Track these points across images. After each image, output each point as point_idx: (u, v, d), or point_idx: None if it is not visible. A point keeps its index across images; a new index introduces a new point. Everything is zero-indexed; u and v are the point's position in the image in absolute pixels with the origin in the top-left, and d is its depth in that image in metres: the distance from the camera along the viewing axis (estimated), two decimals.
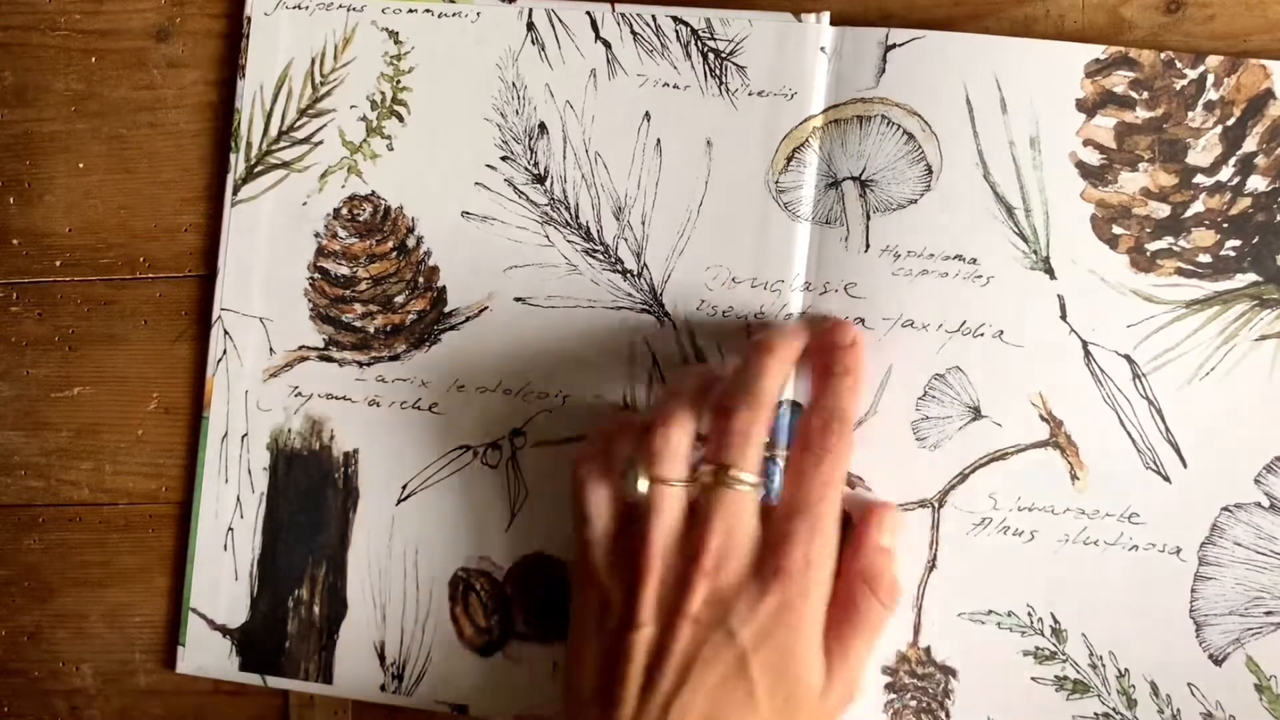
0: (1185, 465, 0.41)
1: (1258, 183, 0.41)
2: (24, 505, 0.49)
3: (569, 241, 0.45)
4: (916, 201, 0.42)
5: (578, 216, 0.45)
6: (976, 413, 0.42)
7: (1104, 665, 0.42)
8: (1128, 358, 0.41)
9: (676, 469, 0.39)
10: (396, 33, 0.46)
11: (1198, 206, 0.41)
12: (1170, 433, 0.41)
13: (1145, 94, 0.41)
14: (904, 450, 0.42)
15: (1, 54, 0.48)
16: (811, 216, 0.43)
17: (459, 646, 0.45)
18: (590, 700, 0.39)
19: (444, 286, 0.45)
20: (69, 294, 0.48)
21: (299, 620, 0.46)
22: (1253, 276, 0.41)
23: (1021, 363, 0.42)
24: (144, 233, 0.48)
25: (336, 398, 0.46)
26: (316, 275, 0.46)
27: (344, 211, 0.46)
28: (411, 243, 0.46)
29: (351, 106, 0.46)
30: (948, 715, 0.42)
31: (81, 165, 0.48)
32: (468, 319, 0.45)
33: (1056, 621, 0.42)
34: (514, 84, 0.45)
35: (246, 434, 0.46)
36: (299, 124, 0.46)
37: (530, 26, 0.45)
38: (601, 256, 0.44)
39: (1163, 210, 0.41)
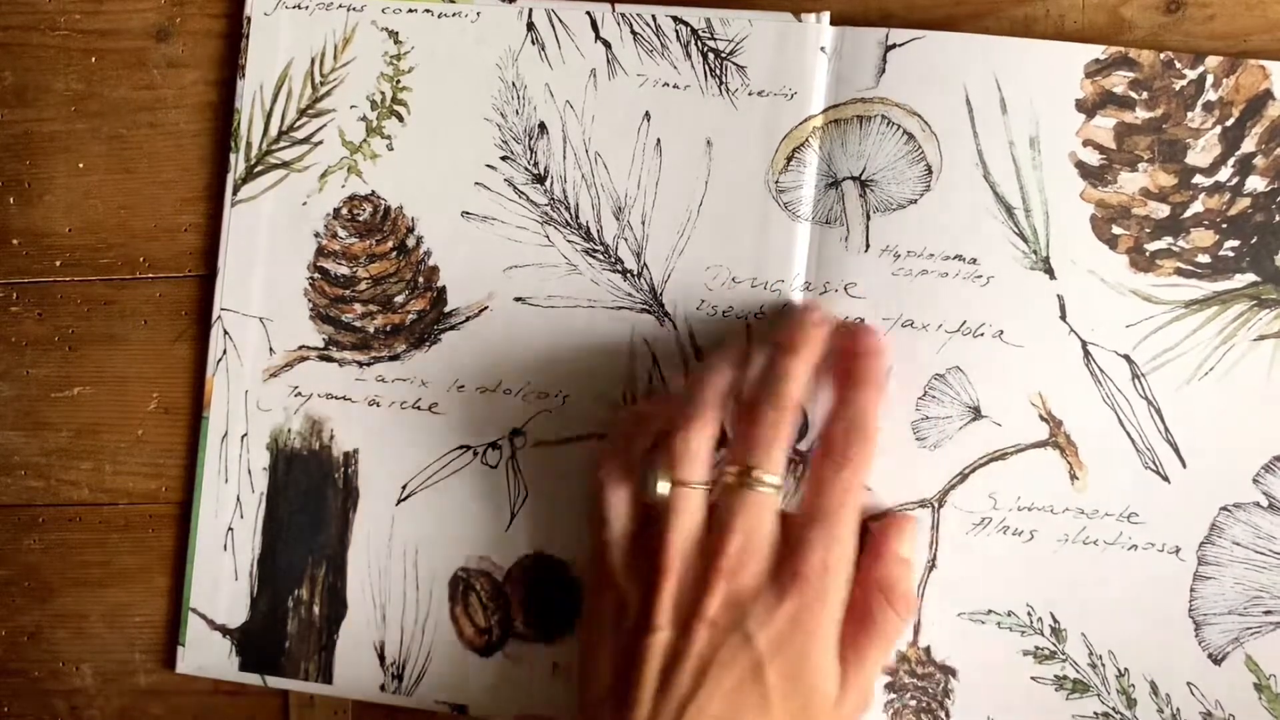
0: (1184, 465, 0.41)
1: (1256, 183, 0.41)
2: (24, 505, 0.49)
3: (569, 241, 0.45)
4: (916, 201, 0.42)
5: (578, 216, 0.45)
6: (976, 413, 0.42)
7: (1103, 665, 0.42)
8: (1127, 358, 0.41)
9: (698, 472, 0.39)
10: (396, 33, 0.46)
11: (1197, 207, 0.41)
12: (1169, 432, 0.41)
13: (1145, 94, 0.41)
14: (904, 450, 0.42)
15: (1, 54, 0.48)
16: (811, 216, 0.43)
17: (459, 646, 0.45)
18: (604, 701, 0.39)
19: (444, 286, 0.45)
20: (69, 294, 0.48)
21: (299, 620, 0.46)
22: (1251, 277, 0.41)
23: (1021, 363, 0.42)
24: (144, 233, 0.48)
25: (336, 398, 0.46)
26: (316, 275, 0.46)
27: (344, 211, 0.46)
28: (411, 243, 0.46)
29: (351, 106, 0.46)
30: (947, 715, 0.42)
31: (81, 165, 0.48)
32: (468, 319, 0.45)
33: (1056, 621, 0.42)
34: (514, 84, 0.45)
35: (246, 434, 0.46)
36: (299, 124, 0.46)
37: (530, 26, 0.45)
38: (601, 256, 0.44)
39: (1162, 210, 0.41)
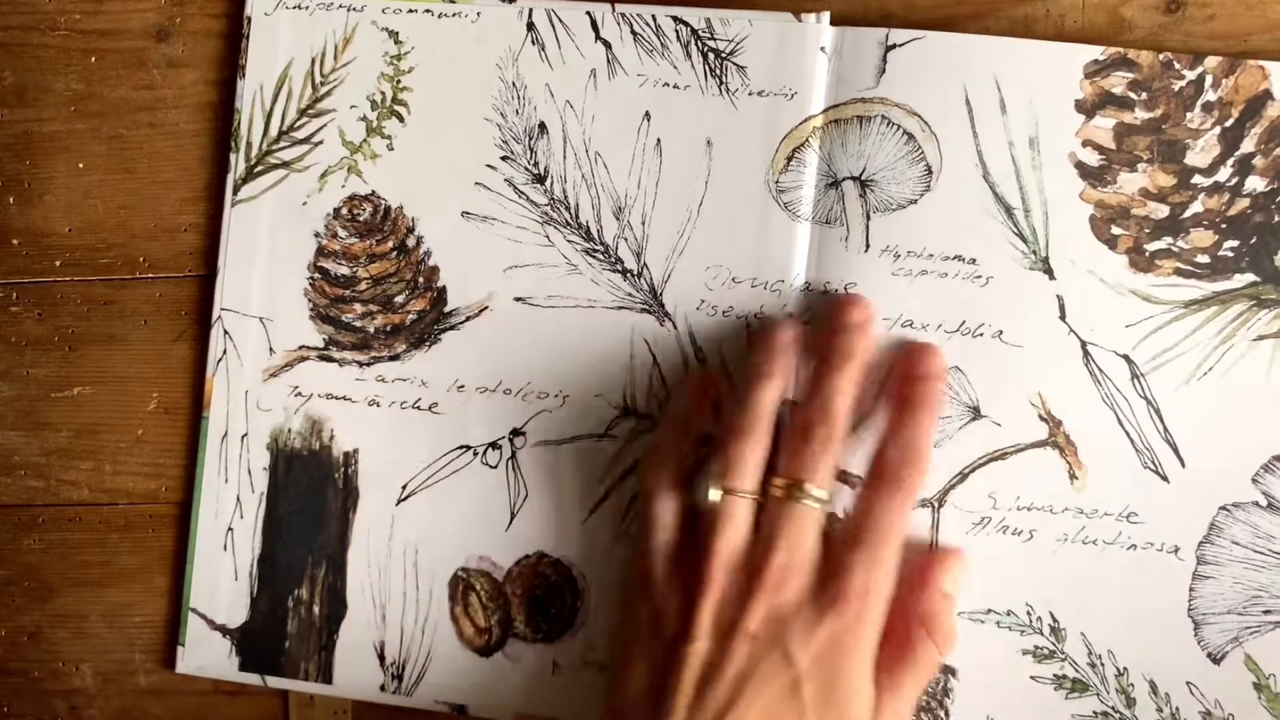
0: (1183, 465, 0.41)
1: (1256, 183, 0.41)
2: (24, 505, 0.49)
3: (569, 241, 0.45)
4: (916, 201, 0.42)
5: (578, 216, 0.45)
6: (976, 412, 0.42)
7: (1103, 664, 0.42)
8: (1126, 358, 0.41)
9: (749, 482, 0.40)
10: (396, 33, 0.46)
11: (1196, 207, 0.41)
12: (1168, 432, 0.41)
13: (1144, 95, 0.41)
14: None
15: (1, 54, 0.48)
16: (811, 216, 0.43)
17: (459, 646, 0.45)
18: (638, 708, 0.39)
19: (444, 286, 0.45)
20: (69, 294, 0.48)
21: (299, 620, 0.46)
22: (1251, 277, 0.41)
23: (1021, 363, 0.42)
24: (144, 233, 0.48)
25: (336, 398, 0.46)
26: (316, 275, 0.46)
27: (344, 211, 0.46)
28: (411, 242, 0.46)
29: (351, 106, 0.46)
30: (947, 714, 0.42)
31: (81, 165, 0.48)
32: (468, 319, 0.45)
33: (1055, 620, 0.42)
34: (514, 84, 0.45)
35: (246, 434, 0.46)
36: (299, 124, 0.46)
37: (530, 26, 0.45)
38: (601, 256, 0.44)
39: (1161, 211, 0.41)
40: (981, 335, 0.42)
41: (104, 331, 0.48)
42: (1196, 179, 0.41)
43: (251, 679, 0.47)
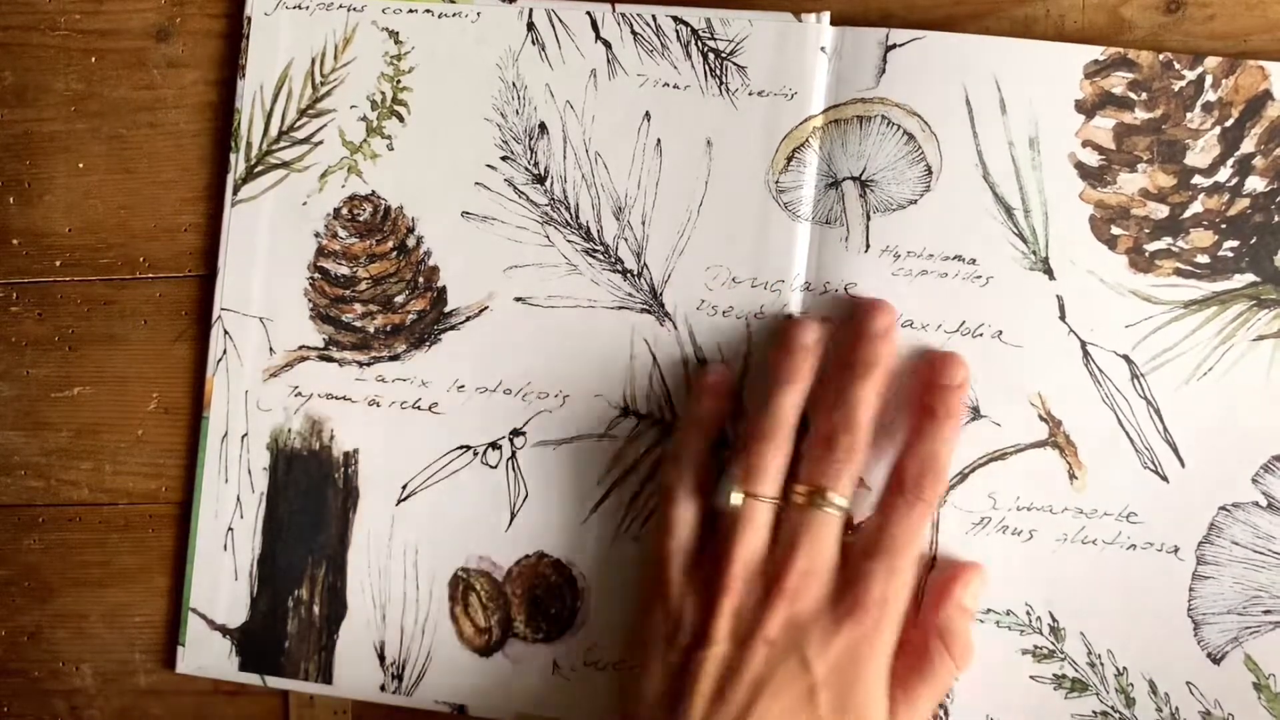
0: (1183, 465, 0.41)
1: (1256, 183, 0.41)
2: (24, 505, 0.49)
3: (569, 241, 0.45)
4: (916, 202, 0.42)
5: (578, 216, 0.45)
6: (976, 412, 0.42)
7: (1102, 664, 0.42)
8: (1126, 358, 0.41)
9: (770, 487, 0.40)
10: (397, 33, 0.46)
11: (1196, 207, 0.41)
12: (1168, 432, 0.41)
13: (1144, 95, 0.41)
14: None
15: (1, 54, 0.48)
16: (811, 216, 0.43)
17: (459, 646, 0.45)
18: (654, 711, 0.39)
19: (444, 286, 0.45)
20: (69, 294, 0.48)
21: (299, 620, 0.46)
22: (1250, 277, 0.41)
23: (1020, 363, 0.42)
24: (144, 233, 0.48)
25: (336, 398, 0.46)
26: (316, 275, 0.46)
27: (344, 211, 0.46)
28: (411, 243, 0.46)
29: (351, 106, 0.46)
30: (947, 714, 0.42)
31: (81, 165, 0.48)
32: (468, 319, 0.45)
33: (1055, 620, 0.42)
34: (514, 84, 0.45)
35: (246, 434, 0.46)
36: (299, 124, 0.46)
37: (530, 26, 0.45)
38: (601, 256, 0.44)
39: (1161, 211, 0.41)
40: (981, 335, 0.42)
41: (104, 331, 0.48)
42: (1196, 179, 0.41)
43: (251, 679, 0.47)
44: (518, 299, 0.45)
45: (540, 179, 0.45)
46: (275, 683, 0.46)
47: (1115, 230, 0.42)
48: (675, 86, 0.44)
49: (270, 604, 0.46)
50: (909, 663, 0.40)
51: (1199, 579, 0.41)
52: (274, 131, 0.46)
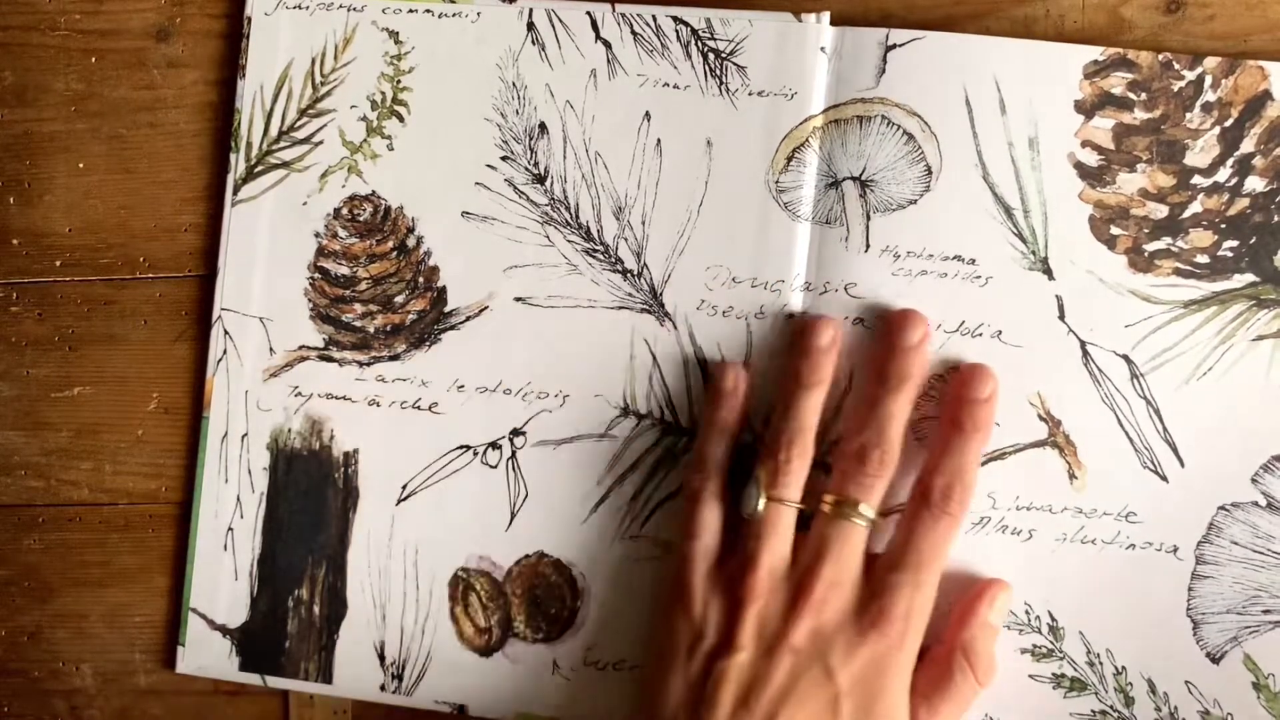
0: (1183, 464, 0.41)
1: (1255, 183, 0.41)
2: (24, 505, 0.49)
3: (569, 241, 0.45)
4: (916, 202, 0.42)
5: (578, 216, 0.45)
6: None
7: (1101, 663, 0.42)
8: (1126, 358, 0.42)
9: (794, 492, 0.40)
10: (397, 33, 0.46)
11: (1195, 207, 0.41)
12: (1168, 432, 0.41)
13: (1143, 95, 0.41)
14: (904, 450, 0.42)
15: (1, 54, 0.48)
16: (811, 216, 0.43)
17: (459, 646, 0.45)
18: (675, 717, 0.39)
19: (444, 286, 0.45)
20: (69, 294, 0.48)
21: (299, 620, 0.46)
22: (1250, 277, 0.41)
23: (1020, 363, 0.42)
24: (144, 233, 0.48)
25: (336, 398, 0.46)
26: (316, 275, 0.46)
27: (344, 211, 0.46)
28: (411, 243, 0.46)
29: (352, 106, 0.46)
30: None
31: (81, 165, 0.48)
32: (468, 319, 0.45)
33: (1054, 619, 0.42)
34: (514, 84, 0.45)
35: (246, 434, 0.46)
36: (299, 124, 0.46)
37: (530, 26, 0.45)
38: (601, 256, 0.44)
39: (1161, 211, 0.41)
40: (981, 335, 0.42)
41: (104, 331, 0.48)
42: (1196, 179, 0.41)
43: (251, 679, 0.47)
44: (518, 299, 0.45)
45: (540, 179, 0.45)
46: (275, 683, 0.46)
47: (1115, 230, 0.42)
48: (675, 86, 0.44)
49: (270, 604, 0.46)
50: (931, 678, 0.40)
51: (1198, 579, 0.41)
52: (274, 131, 0.46)
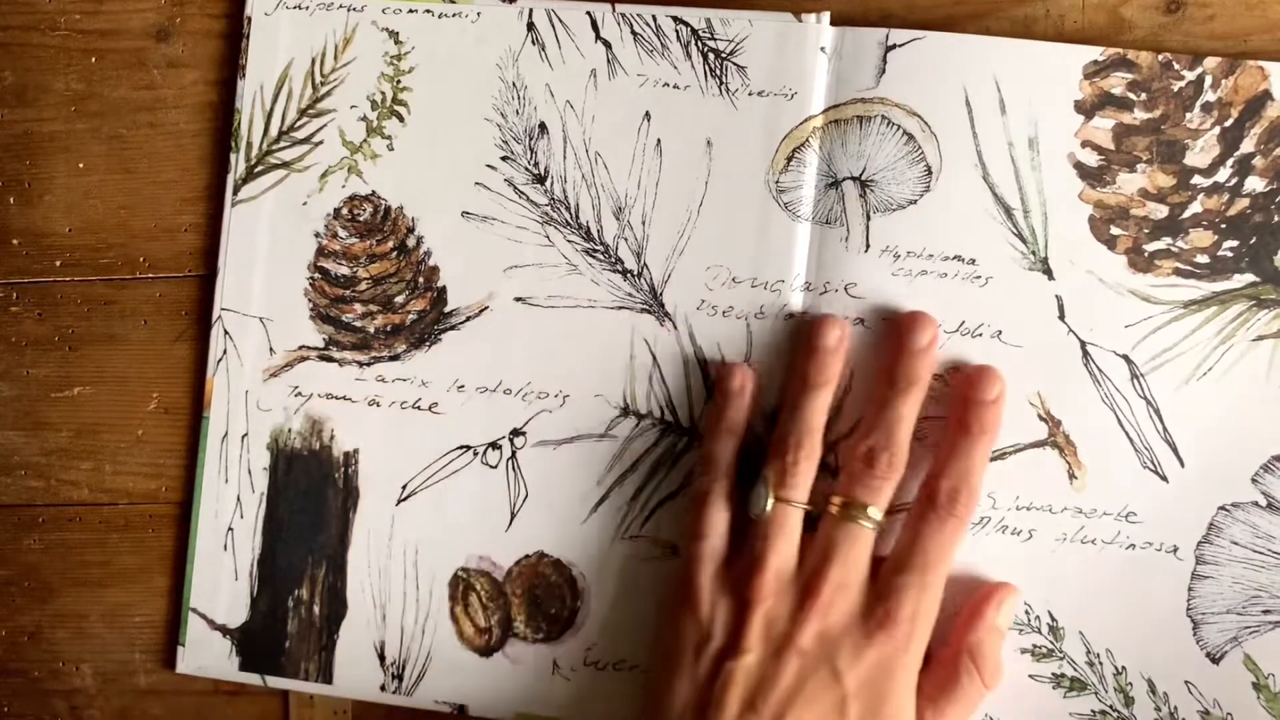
0: (1183, 464, 0.41)
1: (1255, 184, 0.41)
2: (24, 505, 0.49)
3: (569, 241, 0.45)
4: (916, 202, 0.42)
5: (578, 216, 0.45)
6: None
7: (1101, 663, 0.42)
8: (1126, 358, 0.42)
9: (801, 493, 0.40)
10: (397, 33, 0.46)
11: (1195, 207, 0.41)
12: (1168, 432, 0.41)
13: (1143, 95, 0.41)
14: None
15: (1, 54, 0.48)
16: (811, 216, 0.43)
17: (459, 646, 0.45)
18: (681, 718, 0.39)
19: (444, 286, 0.45)
20: (69, 294, 0.48)
21: (299, 620, 0.46)
22: (1250, 277, 0.41)
23: (1020, 363, 0.42)
24: (144, 233, 0.48)
25: (336, 398, 0.46)
26: (316, 275, 0.46)
27: (344, 211, 0.46)
28: (411, 243, 0.46)
29: (352, 106, 0.46)
30: None
31: (81, 165, 0.48)
32: (468, 319, 0.45)
33: (1054, 619, 0.42)
34: (514, 84, 0.45)
35: (246, 434, 0.46)
36: (299, 124, 0.46)
37: (530, 26, 0.45)
38: (601, 256, 0.44)
39: (1161, 211, 0.41)
40: (981, 335, 0.42)
41: (104, 331, 0.48)
42: (1196, 179, 0.41)
43: (251, 679, 0.47)
44: (518, 299, 0.45)
45: (540, 179, 0.45)
46: (275, 683, 0.46)
47: (1114, 230, 0.42)
48: (675, 86, 0.44)
49: (270, 604, 0.46)
50: (938, 680, 0.40)
51: (1198, 579, 0.41)
52: (274, 131, 0.46)
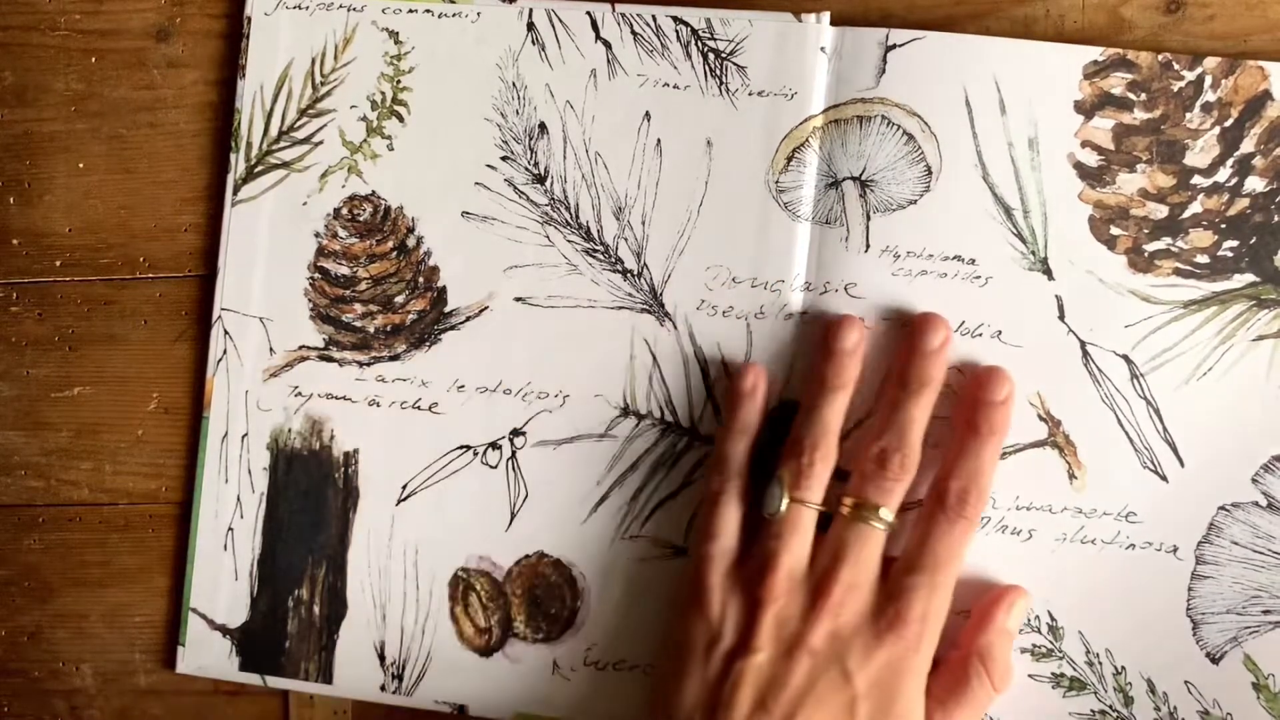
0: (1183, 464, 0.41)
1: (1255, 184, 0.41)
2: (24, 505, 0.49)
3: (569, 241, 0.45)
4: (916, 202, 0.42)
5: (578, 216, 0.45)
6: None
7: (1101, 663, 0.42)
8: (1126, 358, 0.42)
9: (816, 494, 0.40)
10: (397, 33, 0.46)
11: (1195, 207, 0.41)
12: (1168, 432, 0.41)
13: (1143, 95, 0.41)
14: None
15: (1, 54, 0.48)
16: (811, 216, 0.43)
17: (459, 646, 0.45)
18: (690, 718, 0.39)
19: (444, 286, 0.45)
20: (69, 294, 0.48)
21: (299, 620, 0.46)
22: (1250, 277, 0.41)
23: (1020, 363, 0.42)
24: (144, 233, 0.48)
25: (336, 398, 0.46)
26: (316, 275, 0.46)
27: (344, 211, 0.46)
28: (411, 243, 0.46)
29: (351, 106, 0.46)
30: None
31: (81, 165, 0.48)
32: (468, 319, 0.45)
33: (1054, 619, 0.42)
34: (514, 84, 0.45)
35: (246, 434, 0.46)
36: (299, 124, 0.46)
37: (530, 26, 0.45)
38: (601, 256, 0.44)
39: (1160, 211, 0.41)
40: (981, 335, 0.42)
41: (104, 331, 0.48)
42: (1196, 179, 0.41)
43: (251, 679, 0.47)
44: (518, 299, 0.45)
45: (540, 179, 0.45)
46: (275, 683, 0.46)
47: (1114, 230, 0.42)
48: (675, 86, 0.44)
49: (270, 604, 0.46)
50: (947, 683, 0.40)
51: (1198, 579, 0.41)
52: (274, 131, 0.46)
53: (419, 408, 0.46)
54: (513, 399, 0.45)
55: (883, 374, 0.42)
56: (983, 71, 0.42)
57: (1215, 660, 0.41)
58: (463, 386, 0.45)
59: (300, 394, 0.46)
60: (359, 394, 0.46)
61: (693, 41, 0.44)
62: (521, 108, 0.45)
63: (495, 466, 0.45)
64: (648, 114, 0.44)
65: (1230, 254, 0.41)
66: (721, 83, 0.44)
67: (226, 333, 0.47)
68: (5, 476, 0.49)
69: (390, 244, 0.46)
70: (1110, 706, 0.42)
